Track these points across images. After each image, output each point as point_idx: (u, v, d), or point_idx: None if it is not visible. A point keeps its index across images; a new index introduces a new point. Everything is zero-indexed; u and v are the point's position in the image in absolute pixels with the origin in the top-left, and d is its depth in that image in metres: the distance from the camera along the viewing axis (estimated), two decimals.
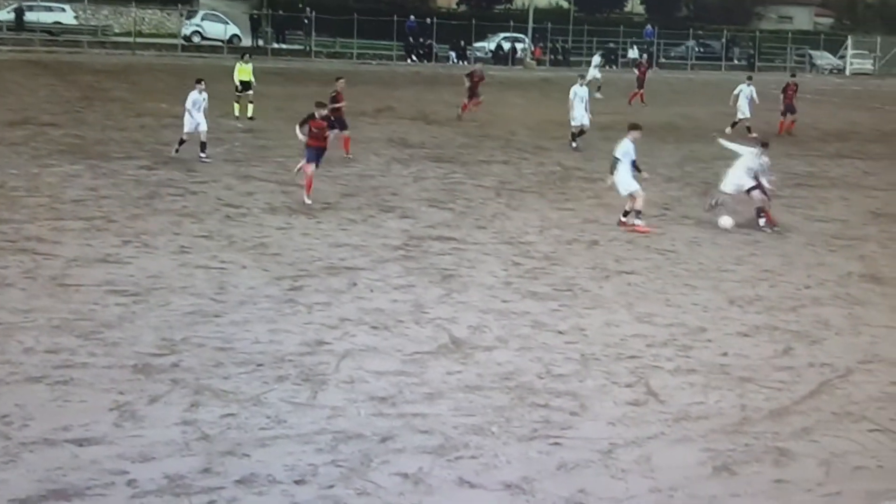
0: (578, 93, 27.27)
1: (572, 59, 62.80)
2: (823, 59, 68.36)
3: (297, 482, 7.88)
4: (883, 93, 50.04)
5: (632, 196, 17.67)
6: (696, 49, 68.49)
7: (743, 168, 17.98)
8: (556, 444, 8.90)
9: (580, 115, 27.06)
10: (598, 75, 42.32)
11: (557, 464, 8.50)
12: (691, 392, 10.26)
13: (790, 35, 69.99)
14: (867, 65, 66.94)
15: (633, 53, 65.50)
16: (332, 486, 7.85)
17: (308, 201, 18.25)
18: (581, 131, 27.15)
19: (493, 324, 12.17)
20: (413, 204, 18.44)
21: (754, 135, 28.32)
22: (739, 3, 77.46)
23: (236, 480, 7.84)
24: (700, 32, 69.43)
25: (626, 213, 17.70)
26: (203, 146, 22.35)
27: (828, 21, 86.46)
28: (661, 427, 9.37)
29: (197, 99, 22.36)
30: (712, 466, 8.59)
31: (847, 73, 56.78)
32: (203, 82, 22.80)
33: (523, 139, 28.83)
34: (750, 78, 32.09)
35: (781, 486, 8.31)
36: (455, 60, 62.09)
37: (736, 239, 17.18)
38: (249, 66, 29.95)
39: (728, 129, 29.41)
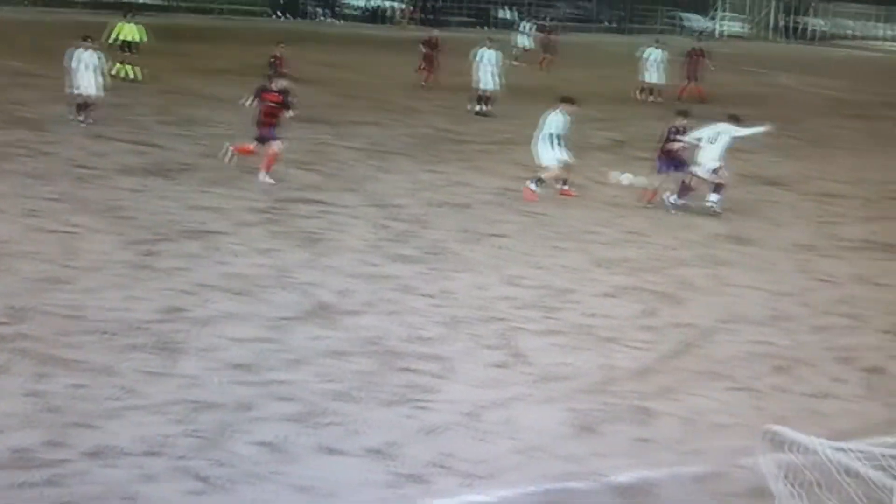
0: (486, 55, 26.99)
1: (443, 18, 62.78)
2: (695, 21, 69.97)
3: (148, 454, 7.74)
4: (754, 55, 51.53)
5: (556, 168, 17.37)
6: (568, 11, 69.50)
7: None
8: (422, 407, 8.97)
9: (485, 79, 26.77)
10: (527, 43, 41.14)
11: (422, 428, 8.57)
12: (557, 353, 10.46)
13: None
14: (739, 27, 68.69)
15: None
16: (186, 457, 7.74)
17: (269, 181, 17.05)
18: (487, 97, 26.84)
19: (360, 288, 12.15)
20: (278, 166, 18.20)
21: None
22: None
23: (84, 452, 7.67)
24: None
25: (564, 182, 17.52)
26: (83, 108, 21.29)
27: None
28: (526, 388, 9.52)
29: (83, 57, 21.25)
30: (575, 426, 8.79)
31: (718, 35, 58.26)
32: (91, 40, 21.72)
33: (395, 100, 28.74)
34: (658, 41, 32.08)
35: (643, 445, 8.55)
36: (324, 17, 61.39)
37: (604, 201, 17.50)
38: (133, 26, 28.96)
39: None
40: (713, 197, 16.76)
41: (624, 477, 7.91)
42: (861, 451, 4.79)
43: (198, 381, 9.16)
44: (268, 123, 17.40)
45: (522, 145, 22.17)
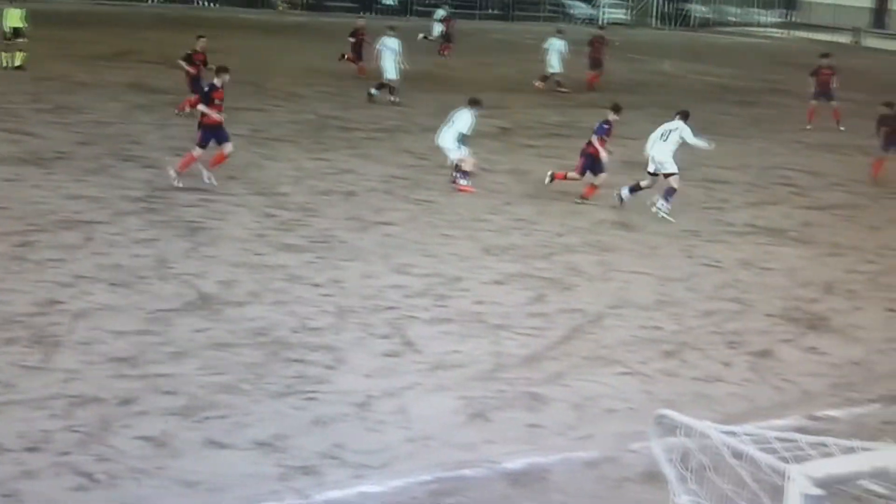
0: (388, 44, 26.80)
1: (325, 3, 62.32)
2: (578, 9, 70.83)
3: (29, 449, 7.55)
4: (636, 43, 52.46)
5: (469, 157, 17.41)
6: None
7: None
8: (311, 398, 8.92)
9: (389, 68, 26.59)
10: (439, 31, 40.83)
11: (312, 419, 8.52)
12: (447, 341, 10.50)
13: None
14: (621, 14, 69.79)
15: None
16: (67, 453, 7.56)
17: (214, 182, 16.05)
18: (389, 86, 26.63)
19: (244, 278, 12.01)
20: (157, 153, 17.84)
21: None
22: None
23: None
24: None
25: (464, 174, 17.36)
26: None
27: None
28: (417, 377, 9.54)
29: None
30: (467, 414, 8.84)
31: (601, 23, 59.04)
32: None
33: (278, 86, 28.39)
34: (560, 31, 32.15)
35: (535, 431, 8.65)
36: (201, 1, 60.31)
37: (491, 189, 17.61)
38: (18, 12, 27.90)
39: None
40: (661, 203, 16.16)
41: (516, 463, 8.00)
42: (751, 435, 4.90)
43: (77, 374, 8.94)
44: (214, 124, 16.18)
45: (411, 133, 22.25)
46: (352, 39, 30.92)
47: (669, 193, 16.16)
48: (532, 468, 7.97)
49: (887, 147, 19.74)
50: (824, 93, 25.91)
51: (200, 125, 16.40)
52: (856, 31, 63.74)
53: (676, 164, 16.23)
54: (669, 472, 5.31)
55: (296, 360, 9.71)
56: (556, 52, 30.55)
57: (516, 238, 14.63)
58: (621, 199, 16.65)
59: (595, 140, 16.84)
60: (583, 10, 70.71)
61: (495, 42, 42.36)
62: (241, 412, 8.53)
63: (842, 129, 25.24)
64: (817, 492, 3.57)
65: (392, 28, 28.22)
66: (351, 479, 7.60)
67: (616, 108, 17.39)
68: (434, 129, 23.33)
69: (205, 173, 16.12)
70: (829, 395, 9.71)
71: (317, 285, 11.96)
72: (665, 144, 16.32)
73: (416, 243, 14.07)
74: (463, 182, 17.30)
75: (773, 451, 4.89)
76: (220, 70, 16.81)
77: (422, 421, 8.63)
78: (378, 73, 26.47)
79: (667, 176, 16.18)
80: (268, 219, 14.65)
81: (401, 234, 14.46)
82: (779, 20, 72.75)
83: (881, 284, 13.22)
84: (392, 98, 26.20)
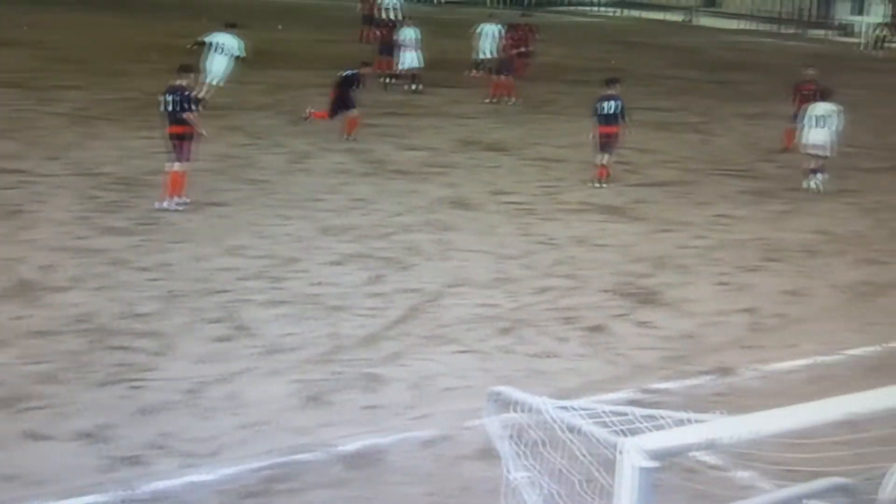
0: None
1: None
2: None
3: None
4: (470, 22, 52.90)
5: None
6: None
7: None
8: (137, 387, 8.66)
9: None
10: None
11: (138, 408, 8.27)
12: (283, 324, 10.36)
13: None
14: None
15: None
16: None
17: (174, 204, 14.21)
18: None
19: (66, 263, 11.59)
20: None
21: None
22: None
23: None
24: None
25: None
26: None
27: None
28: (250, 361, 9.38)
29: None
30: (303, 397, 8.73)
31: (436, 1, 59.17)
32: None
33: (102, 63, 27.50)
34: (491, 16, 31.49)
35: (372, 412, 8.60)
36: None
37: (328, 168, 17.47)
38: None
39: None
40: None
41: (352, 445, 7.93)
42: (584, 409, 4.96)
43: None
44: (183, 132, 14.30)
45: (244, 111, 21.87)
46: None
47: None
48: (368, 450, 7.91)
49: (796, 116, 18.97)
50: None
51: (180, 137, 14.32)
52: (688, 10, 65.82)
53: None
54: (503, 448, 5.34)
55: (121, 348, 9.41)
56: (487, 37, 29.92)
57: (354, 218, 14.54)
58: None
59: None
60: None
61: (330, 18, 41.95)
62: (63, 402, 8.22)
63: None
64: (651, 464, 3.61)
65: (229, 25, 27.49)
66: (179, 469, 7.40)
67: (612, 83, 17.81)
68: (268, 107, 23.04)
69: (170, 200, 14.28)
70: (662, 368, 9.96)
71: (143, 269, 11.63)
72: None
73: (251, 224, 13.83)
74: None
75: (606, 425, 4.96)
76: (182, 70, 14.70)
77: (255, 406, 8.47)
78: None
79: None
80: (90, 201, 14.18)
81: (234, 215, 14.20)
82: (613, 0, 74.63)
83: (711, 259, 13.66)
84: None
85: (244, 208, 14.60)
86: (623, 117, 17.51)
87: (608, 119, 17.37)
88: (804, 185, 17.63)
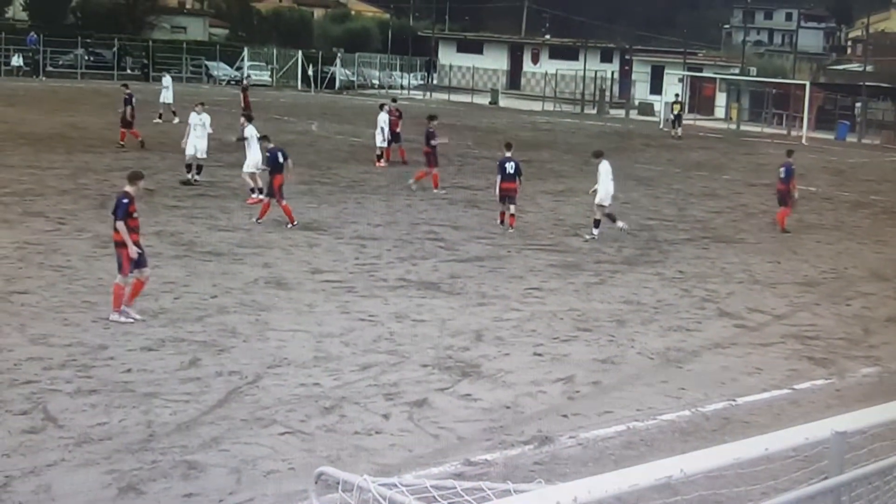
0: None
1: None
2: (221, 69, 70.91)
3: None
4: (282, 104, 53.06)
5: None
6: (87, 58, 68.12)
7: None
8: None
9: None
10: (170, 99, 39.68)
11: None
12: (93, 413, 10.02)
13: (185, 45, 71.87)
14: (265, 76, 70.54)
15: (16, 61, 63.70)
16: None
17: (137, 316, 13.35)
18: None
19: None
20: None
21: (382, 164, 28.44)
22: (129, 12, 78.19)
23: None
24: (89, 41, 69.14)
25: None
26: None
27: (223, 32, 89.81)
28: (61, 453, 9.02)
29: None
30: (118, 488, 8.44)
31: (245, 82, 59.28)
32: None
33: None
34: (382, 106, 31.01)
35: (192, 500, 8.38)
36: None
37: None
38: None
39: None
40: None
41: None
42: (408, 485, 5.01)
43: None
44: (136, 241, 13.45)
45: (44, 196, 21.25)
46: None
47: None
48: None
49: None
50: (783, 201, 22.97)
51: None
52: (494, 91, 67.97)
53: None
54: None
55: None
56: (380, 126, 30.11)
57: (166, 301, 14.24)
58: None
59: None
60: (226, 70, 70.93)
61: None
62: None
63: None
64: None
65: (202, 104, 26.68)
66: None
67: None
68: (71, 192, 22.43)
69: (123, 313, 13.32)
70: (484, 440, 10.08)
71: None
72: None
73: (56, 312, 13.37)
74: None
75: (430, 500, 5.01)
76: (133, 177, 13.80)
77: (67, 499, 8.14)
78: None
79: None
80: None
81: (38, 303, 13.70)
82: (420, 83, 76.31)
83: (527, 330, 13.97)
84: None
85: (48, 295, 14.15)
86: (520, 175, 21.00)
87: (510, 177, 20.81)
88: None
